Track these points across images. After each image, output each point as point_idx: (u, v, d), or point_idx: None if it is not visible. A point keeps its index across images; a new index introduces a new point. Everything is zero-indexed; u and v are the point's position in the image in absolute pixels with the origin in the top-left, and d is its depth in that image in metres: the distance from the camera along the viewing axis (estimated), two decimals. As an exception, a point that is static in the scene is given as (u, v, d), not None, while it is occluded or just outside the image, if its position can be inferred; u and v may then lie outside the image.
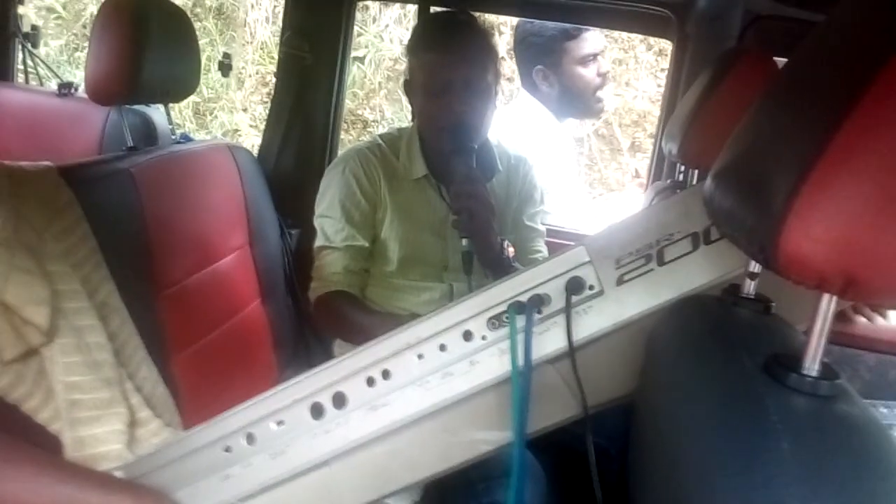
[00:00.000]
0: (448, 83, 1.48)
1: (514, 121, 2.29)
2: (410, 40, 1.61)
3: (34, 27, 2.39)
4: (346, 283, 1.59)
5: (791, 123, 0.51)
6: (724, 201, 0.58)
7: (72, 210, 1.20)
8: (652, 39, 4.59)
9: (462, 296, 0.94)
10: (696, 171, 1.51)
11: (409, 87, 1.61)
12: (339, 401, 0.92)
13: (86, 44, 4.32)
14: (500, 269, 1.50)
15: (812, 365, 0.54)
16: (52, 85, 2.30)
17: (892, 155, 0.44)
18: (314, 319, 1.68)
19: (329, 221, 1.60)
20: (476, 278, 1.53)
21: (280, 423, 0.94)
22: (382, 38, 4.93)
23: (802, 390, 0.53)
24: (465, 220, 1.47)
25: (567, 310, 0.86)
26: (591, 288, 0.86)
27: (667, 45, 2.10)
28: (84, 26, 4.85)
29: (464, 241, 1.50)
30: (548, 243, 1.78)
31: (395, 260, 1.60)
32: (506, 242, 1.56)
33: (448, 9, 1.94)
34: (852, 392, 0.55)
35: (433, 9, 1.97)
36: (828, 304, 0.52)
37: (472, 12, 1.65)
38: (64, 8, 4.93)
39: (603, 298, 0.86)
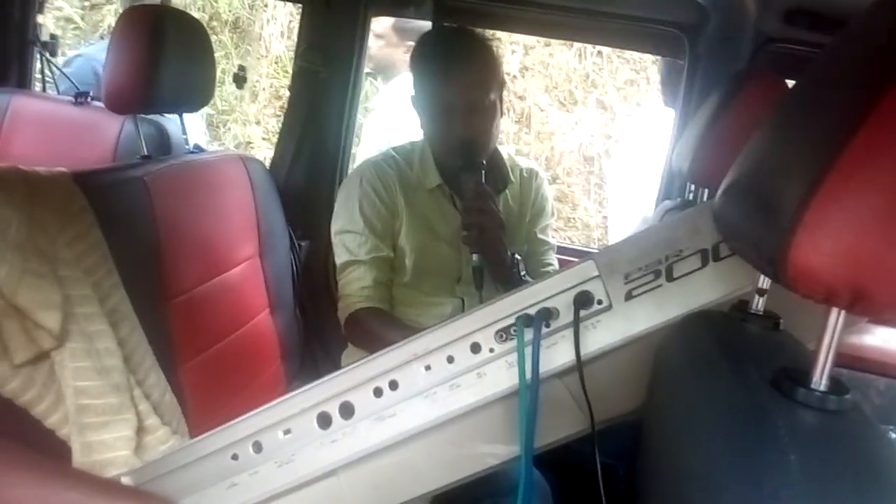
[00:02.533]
0: (451, 105, 1.49)
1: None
2: (412, 58, 1.61)
3: (52, 36, 2.41)
4: (377, 297, 1.57)
5: (801, 139, 0.52)
6: (733, 215, 0.58)
7: (85, 216, 1.21)
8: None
9: None
10: (706, 191, 1.51)
11: (415, 103, 1.62)
12: (347, 411, 0.92)
13: (102, 55, 4.36)
14: (511, 283, 1.50)
15: (820, 380, 0.54)
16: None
17: (901, 170, 0.44)
18: (349, 338, 1.65)
19: (351, 236, 1.59)
20: (487, 293, 1.53)
21: (287, 431, 0.94)
22: (395, 54, 4.96)
23: (810, 405, 0.53)
24: (475, 236, 1.48)
25: (575, 324, 0.86)
26: (599, 302, 0.86)
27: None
28: (101, 37, 4.91)
29: (474, 257, 1.50)
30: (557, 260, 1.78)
31: (410, 269, 1.60)
32: (517, 257, 1.57)
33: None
34: (861, 407, 0.55)
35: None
36: (836, 319, 0.52)
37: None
38: (82, 19, 4.99)
39: (611, 313, 0.86)
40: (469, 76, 1.49)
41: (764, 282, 0.70)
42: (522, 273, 1.57)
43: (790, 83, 1.38)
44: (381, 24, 2.54)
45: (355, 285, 1.57)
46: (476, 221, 1.48)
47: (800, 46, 1.72)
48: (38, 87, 2.43)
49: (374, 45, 2.53)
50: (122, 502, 0.96)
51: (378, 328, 1.54)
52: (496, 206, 1.52)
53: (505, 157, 1.70)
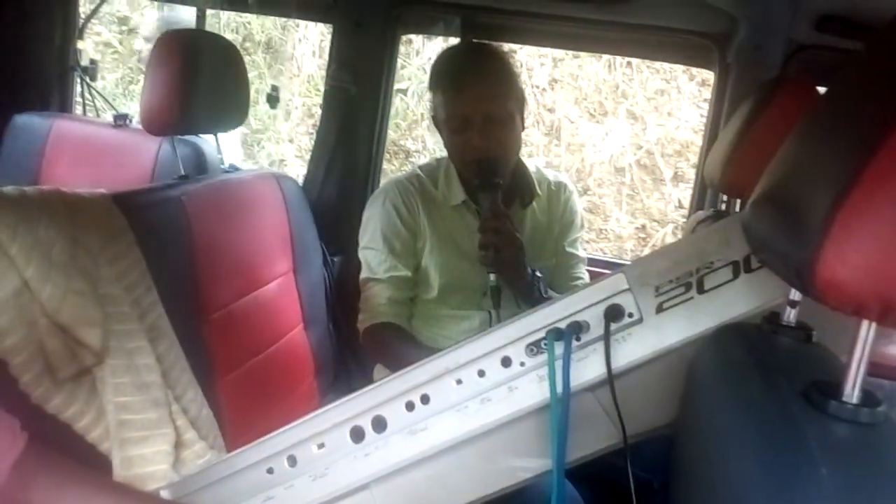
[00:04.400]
0: (467, 120, 1.50)
1: None
2: (430, 78, 1.63)
3: (92, 61, 2.48)
4: (392, 314, 1.61)
5: (828, 150, 0.52)
6: (761, 227, 0.58)
7: (125, 235, 1.24)
8: (695, 69, 4.58)
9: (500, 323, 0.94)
10: (739, 201, 1.50)
11: (435, 122, 1.64)
12: (379, 425, 0.93)
13: (140, 77, 4.47)
14: (531, 301, 1.50)
15: (852, 392, 0.53)
16: (108, 116, 2.38)
17: (928, 181, 0.44)
18: (365, 350, 1.70)
19: (372, 253, 1.63)
20: (506, 312, 1.53)
21: (321, 445, 0.95)
22: (425, 70, 5.01)
23: (842, 417, 0.53)
24: (492, 256, 1.48)
25: (606, 337, 0.86)
26: (630, 315, 0.86)
27: (709, 76, 2.10)
28: (139, 61, 5.03)
29: (491, 277, 1.51)
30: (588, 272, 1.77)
31: (436, 287, 1.62)
32: (538, 274, 1.56)
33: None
34: (894, 420, 0.54)
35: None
36: (867, 331, 0.52)
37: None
38: (120, 43, 5.12)
39: (642, 326, 0.86)
40: (484, 87, 1.50)
41: (796, 294, 0.69)
42: (545, 291, 1.56)
43: (822, 90, 1.37)
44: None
45: (372, 301, 1.62)
46: (492, 242, 1.48)
47: (832, 54, 1.70)
48: (78, 110, 2.50)
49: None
50: None
51: (391, 343, 1.59)
52: (513, 227, 1.52)
53: (532, 169, 1.70)
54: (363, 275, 1.66)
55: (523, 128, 1.60)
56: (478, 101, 1.49)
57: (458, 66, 1.56)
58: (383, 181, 2.20)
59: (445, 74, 1.56)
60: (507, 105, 1.52)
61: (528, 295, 1.54)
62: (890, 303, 0.46)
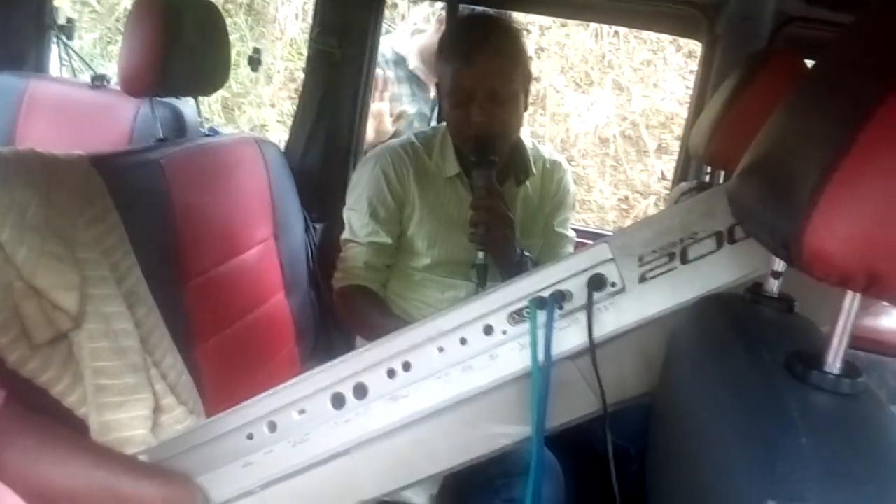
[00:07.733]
0: (471, 94, 1.47)
1: None
2: (439, 46, 1.60)
3: (69, 20, 2.42)
4: (367, 278, 1.62)
5: (817, 121, 0.51)
6: (748, 198, 0.58)
7: (102, 198, 1.22)
8: (681, 41, 4.56)
9: None
10: (723, 173, 1.50)
11: (439, 92, 1.62)
12: (360, 391, 0.93)
13: (119, 37, 4.38)
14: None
15: (834, 362, 0.54)
16: (86, 77, 2.33)
17: (917, 153, 0.43)
18: (335, 309, 1.72)
19: (355, 215, 1.63)
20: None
21: (302, 411, 0.95)
22: (410, 35, 4.94)
23: (824, 388, 0.53)
24: (482, 233, 1.47)
25: (588, 306, 0.86)
26: (613, 285, 0.86)
27: (696, 47, 2.09)
28: (117, 20, 4.92)
29: (480, 254, 1.51)
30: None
31: (423, 256, 1.62)
32: (526, 254, 1.56)
33: (476, 7, 1.95)
34: (875, 391, 0.55)
35: (462, 7, 1.99)
36: (851, 302, 0.52)
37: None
38: (98, 2, 5.00)
39: (625, 296, 0.86)
40: (493, 62, 1.47)
41: (779, 264, 0.69)
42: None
43: (810, 64, 1.37)
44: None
45: (349, 263, 1.63)
46: (484, 220, 1.47)
47: (820, 26, 1.69)
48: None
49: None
50: (146, 480, 0.98)
51: (361, 306, 1.61)
52: (506, 206, 1.51)
53: (529, 146, 1.69)
54: (344, 234, 1.66)
55: (527, 107, 1.58)
56: (483, 77, 1.46)
57: (468, 38, 1.52)
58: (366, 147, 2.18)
59: (454, 46, 1.53)
60: (513, 83, 1.49)
61: (516, 275, 1.53)
62: (876, 274, 0.46)
